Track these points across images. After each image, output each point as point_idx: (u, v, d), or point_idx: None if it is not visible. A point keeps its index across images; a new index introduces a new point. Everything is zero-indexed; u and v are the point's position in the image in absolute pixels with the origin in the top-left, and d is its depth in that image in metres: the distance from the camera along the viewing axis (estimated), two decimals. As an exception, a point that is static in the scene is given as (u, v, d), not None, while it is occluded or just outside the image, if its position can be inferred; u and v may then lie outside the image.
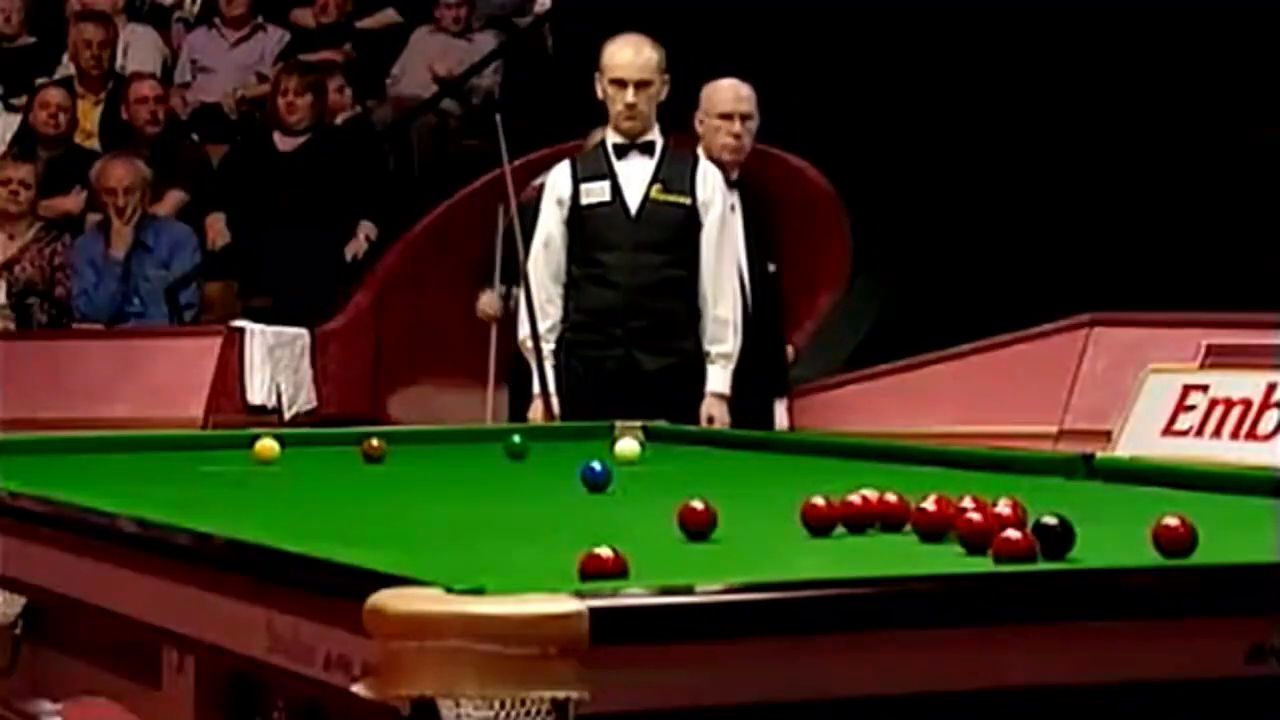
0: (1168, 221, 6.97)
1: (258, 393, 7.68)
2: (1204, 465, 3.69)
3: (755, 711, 2.13)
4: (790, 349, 7.56)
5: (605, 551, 2.33)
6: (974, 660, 2.21)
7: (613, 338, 5.91)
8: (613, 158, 5.98)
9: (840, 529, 2.86)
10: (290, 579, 2.42)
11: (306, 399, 7.84)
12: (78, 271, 8.29)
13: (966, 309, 7.07)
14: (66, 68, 9.81)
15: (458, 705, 2.01)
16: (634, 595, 2.14)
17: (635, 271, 5.92)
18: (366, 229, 8.66)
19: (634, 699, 2.06)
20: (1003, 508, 2.66)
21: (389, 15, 10.09)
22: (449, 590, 2.10)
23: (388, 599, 2.09)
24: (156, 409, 7.22)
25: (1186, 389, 6.31)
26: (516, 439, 4.34)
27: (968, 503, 2.72)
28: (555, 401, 5.88)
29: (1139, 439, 6.09)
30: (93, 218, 8.56)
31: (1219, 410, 6.24)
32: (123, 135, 9.06)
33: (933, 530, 2.75)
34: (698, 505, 2.82)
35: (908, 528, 2.82)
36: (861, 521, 2.88)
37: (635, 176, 5.96)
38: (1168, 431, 6.04)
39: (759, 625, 2.13)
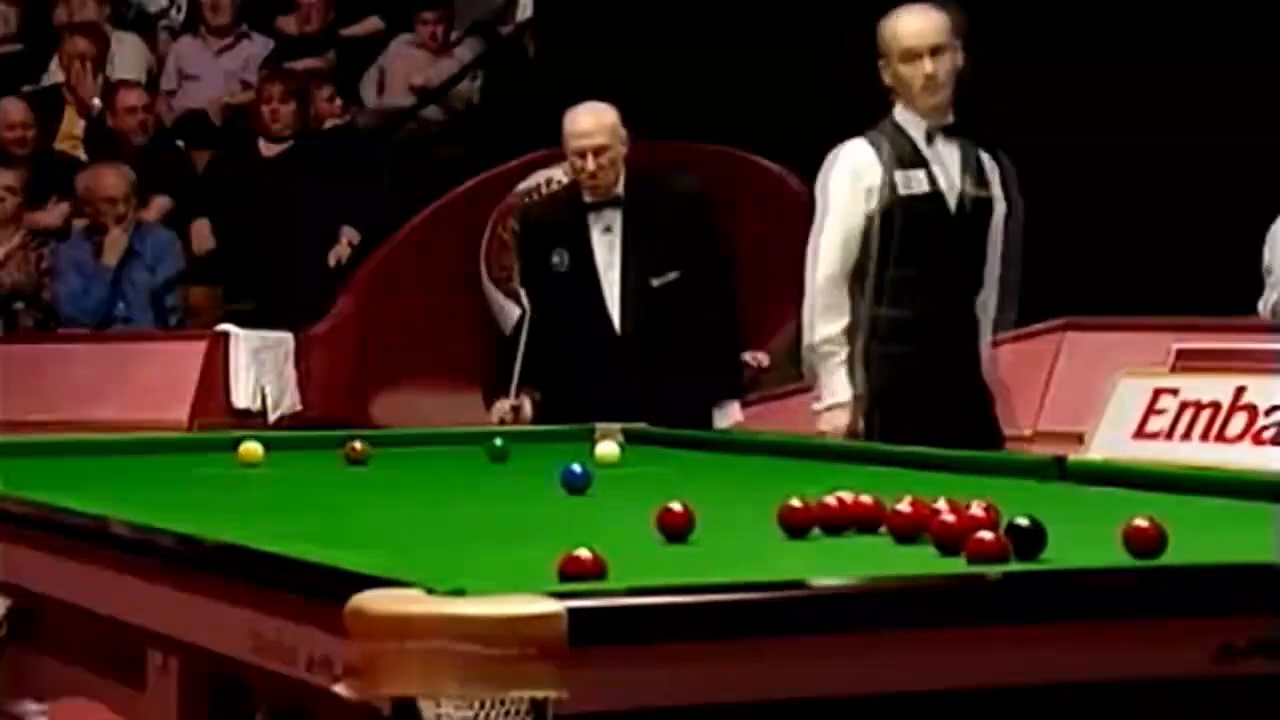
0: (1138, 227, 6.98)
1: (242, 396, 7.67)
2: (1174, 467, 3.70)
3: (733, 711, 2.13)
4: (762, 356, 7.56)
5: (584, 553, 2.33)
6: (947, 660, 2.21)
7: (927, 351, 5.12)
8: (921, 142, 5.15)
9: (816, 531, 2.86)
10: (273, 581, 2.41)
11: (291, 402, 7.84)
12: (63, 276, 8.27)
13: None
14: (53, 75, 9.80)
15: (438, 705, 2.01)
16: (612, 596, 2.14)
17: (954, 276, 5.15)
18: (349, 234, 8.67)
19: (612, 699, 2.06)
20: (976, 510, 2.67)
21: (373, 23, 10.09)
22: (429, 591, 2.10)
23: (369, 600, 2.09)
24: (142, 412, 7.21)
25: (1157, 392, 6.33)
26: (498, 441, 4.34)
27: (942, 505, 2.72)
28: (843, 415, 5.13)
29: (1111, 442, 6.11)
30: (78, 223, 8.54)
31: (1189, 413, 6.26)
32: (108, 142, 9.05)
33: (907, 532, 2.75)
34: (676, 507, 2.82)
35: (883, 529, 2.82)
36: (837, 523, 2.88)
37: (949, 166, 5.15)
38: (1139, 434, 6.05)
39: (736, 626, 2.14)
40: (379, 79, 9.75)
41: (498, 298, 8.15)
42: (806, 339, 5.19)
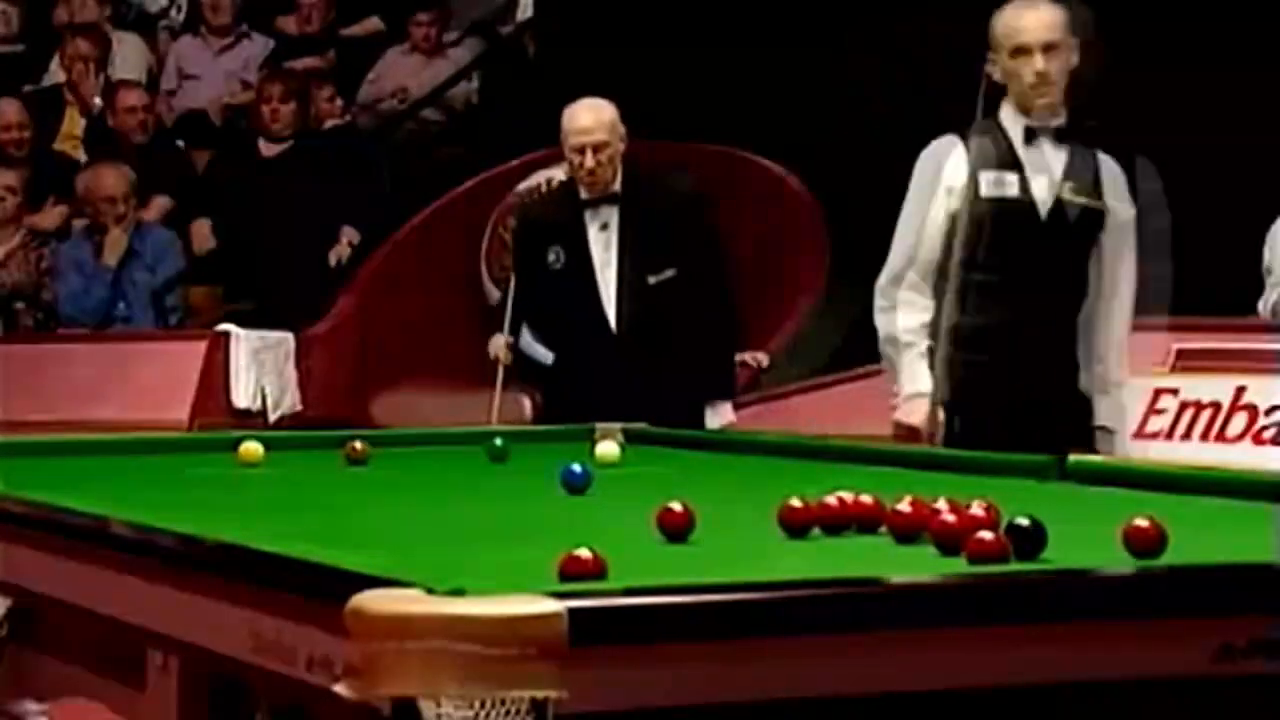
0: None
1: (243, 396, 7.68)
2: (1174, 467, 3.70)
3: (733, 711, 2.13)
4: (762, 356, 7.57)
5: (584, 553, 2.33)
6: (948, 660, 2.21)
7: (1006, 360, 4.88)
8: (1017, 142, 4.90)
9: (817, 531, 2.86)
10: (273, 580, 2.41)
11: (291, 402, 7.84)
12: (63, 276, 8.28)
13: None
14: (54, 75, 9.81)
15: (438, 705, 2.01)
16: (612, 596, 2.14)
17: (1039, 284, 4.87)
18: (349, 234, 8.67)
19: (612, 699, 2.06)
20: (976, 509, 2.67)
21: (373, 23, 10.09)
22: (429, 591, 2.09)
23: (369, 600, 2.09)
24: (142, 412, 7.21)
25: (1157, 392, 6.32)
26: (498, 441, 4.34)
27: (942, 504, 2.72)
28: (922, 408, 4.93)
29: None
30: (78, 223, 8.54)
31: (1189, 413, 6.26)
32: (108, 142, 9.05)
33: (907, 532, 2.75)
34: (676, 507, 2.82)
35: (883, 529, 2.82)
36: (838, 523, 2.88)
37: (1044, 169, 4.89)
38: (1139, 434, 6.03)
39: (737, 626, 2.13)
40: (374, 87, 9.74)
41: (496, 296, 8.14)
42: (883, 331, 5.01)
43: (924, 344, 4.91)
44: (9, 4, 10.23)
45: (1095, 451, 4.78)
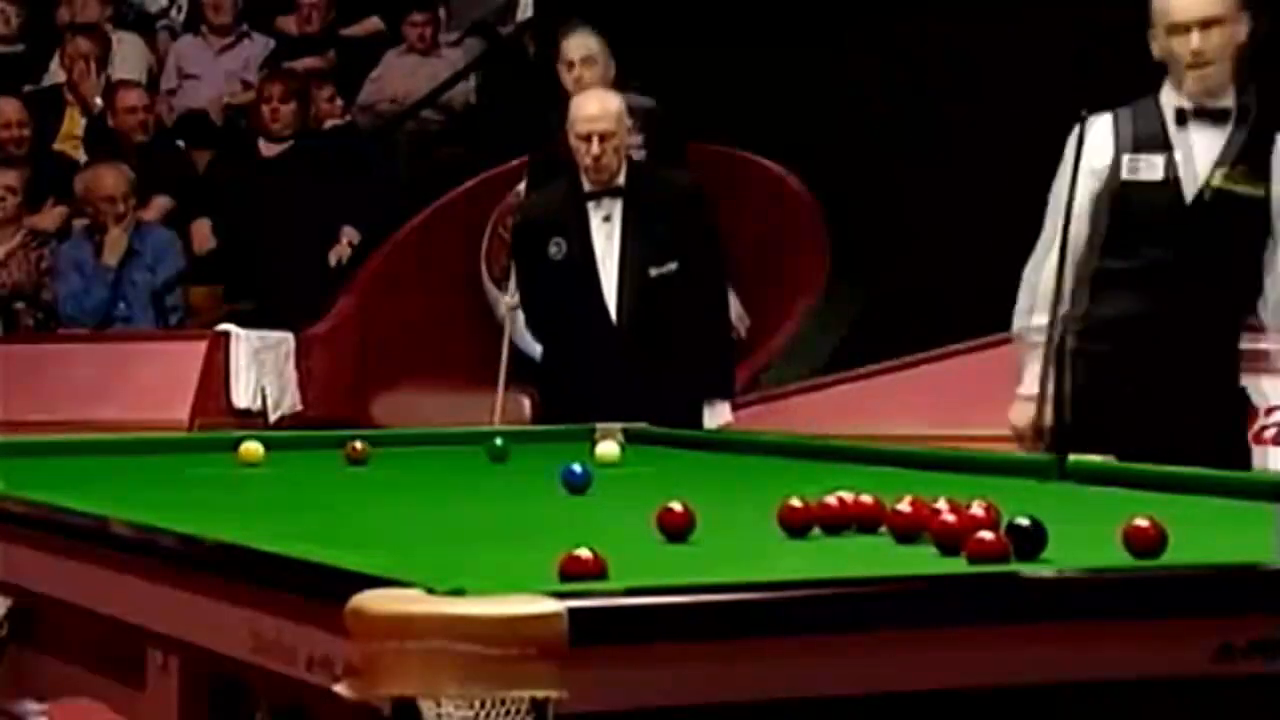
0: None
1: (243, 396, 7.68)
2: (1174, 468, 3.69)
3: (733, 711, 2.13)
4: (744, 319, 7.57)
5: (584, 553, 2.32)
6: (948, 660, 2.21)
7: (1136, 354, 4.61)
8: (1172, 125, 4.62)
9: (817, 530, 2.86)
10: (273, 580, 2.41)
11: (291, 402, 7.84)
12: (63, 276, 8.28)
13: (942, 313, 7.08)
14: (54, 75, 9.81)
15: (438, 705, 2.01)
16: (612, 596, 2.14)
17: (1181, 274, 4.57)
18: (349, 234, 8.67)
19: (612, 699, 2.06)
20: (976, 509, 2.66)
21: (373, 23, 10.10)
22: (430, 591, 2.09)
23: (369, 600, 2.09)
24: (143, 412, 7.21)
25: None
26: (498, 441, 4.34)
27: (942, 504, 2.72)
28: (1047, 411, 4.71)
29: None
30: (78, 223, 8.55)
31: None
32: (109, 142, 9.05)
33: (908, 531, 2.75)
34: (676, 507, 2.82)
35: (883, 529, 2.82)
36: (838, 523, 2.88)
37: (1198, 153, 4.60)
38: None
39: (737, 626, 2.13)
40: (374, 88, 9.74)
41: (496, 296, 8.16)
42: (1015, 323, 4.83)
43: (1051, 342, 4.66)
44: (9, 3, 10.23)
45: (1234, 459, 4.46)
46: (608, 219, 6.02)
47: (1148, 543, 2.53)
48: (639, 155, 6.30)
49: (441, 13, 9.92)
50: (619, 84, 6.72)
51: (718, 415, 5.96)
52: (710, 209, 6.29)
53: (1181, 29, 4.55)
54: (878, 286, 8.06)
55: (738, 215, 8.10)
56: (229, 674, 2.56)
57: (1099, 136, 4.63)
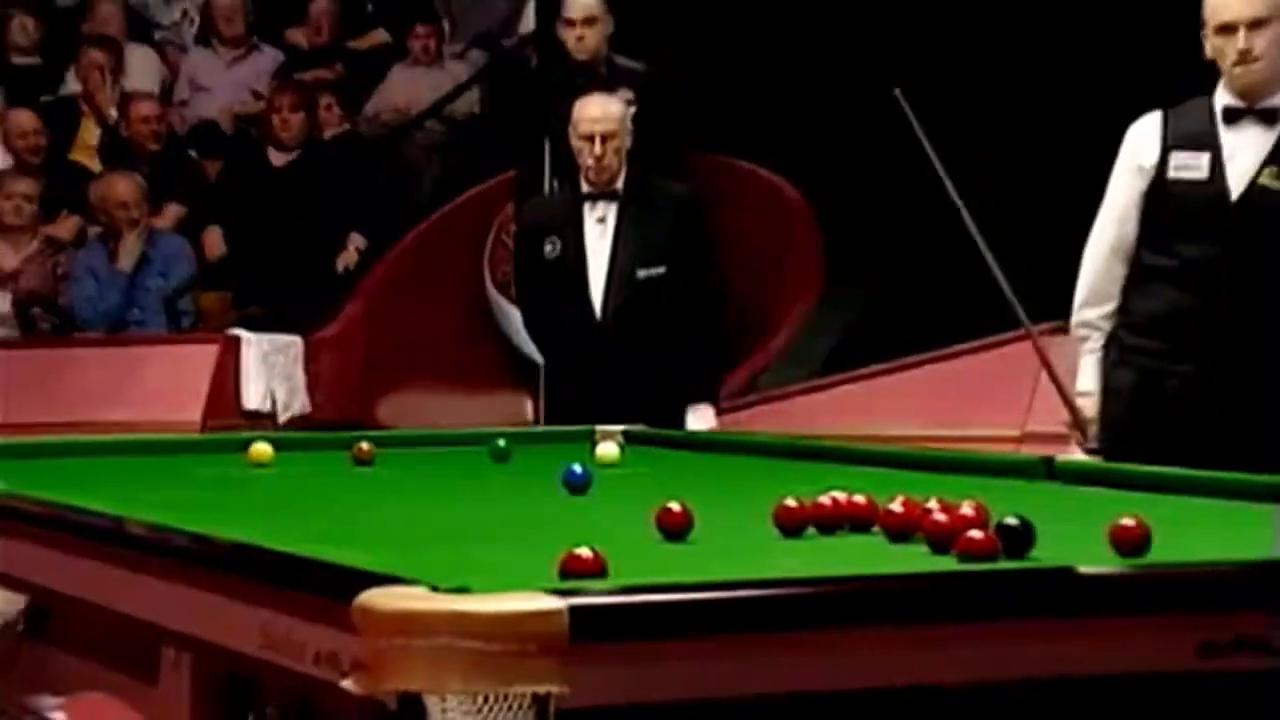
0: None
1: (253, 398, 7.68)
2: (1159, 468, 3.69)
3: (729, 706, 2.14)
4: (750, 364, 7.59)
5: (585, 552, 2.33)
6: (939, 656, 2.22)
7: (1182, 349, 4.56)
8: (1220, 124, 4.58)
9: (811, 530, 2.86)
10: (282, 579, 2.42)
11: (299, 404, 7.85)
12: (79, 281, 8.29)
13: (935, 317, 7.08)
14: (70, 86, 9.82)
15: (443, 700, 2.01)
16: (612, 594, 2.14)
17: (1224, 272, 4.52)
18: (356, 241, 8.67)
19: (612, 694, 2.06)
20: (966, 509, 2.66)
21: (379, 35, 10.10)
22: (434, 589, 2.10)
23: (375, 597, 2.09)
24: (156, 414, 7.21)
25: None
26: (501, 442, 4.34)
27: (933, 504, 2.72)
28: (1089, 405, 4.72)
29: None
30: (93, 230, 8.56)
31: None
32: (123, 152, 9.06)
33: (900, 531, 2.75)
34: (675, 507, 2.82)
35: (876, 529, 2.82)
36: (831, 523, 2.88)
37: (1245, 151, 4.55)
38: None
39: (733, 623, 2.14)
40: (380, 99, 9.74)
41: (501, 302, 8.17)
42: (1074, 318, 4.77)
43: (1098, 337, 4.68)
44: (28, 16, 10.25)
45: (1274, 455, 4.26)
46: (602, 220, 6.03)
47: (1133, 542, 2.54)
48: (629, 119, 6.24)
49: (446, 26, 9.92)
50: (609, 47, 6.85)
51: (701, 418, 5.95)
52: (709, 220, 6.30)
53: (1231, 29, 4.52)
54: (873, 291, 8.06)
55: (737, 222, 8.10)
56: (240, 669, 2.56)
57: (1148, 135, 4.62)
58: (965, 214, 4.72)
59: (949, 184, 4.73)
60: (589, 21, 7.11)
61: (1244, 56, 4.50)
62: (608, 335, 5.96)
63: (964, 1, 8.26)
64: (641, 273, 5.98)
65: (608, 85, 6.64)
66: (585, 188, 6.01)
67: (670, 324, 5.95)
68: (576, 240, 6.02)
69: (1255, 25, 4.51)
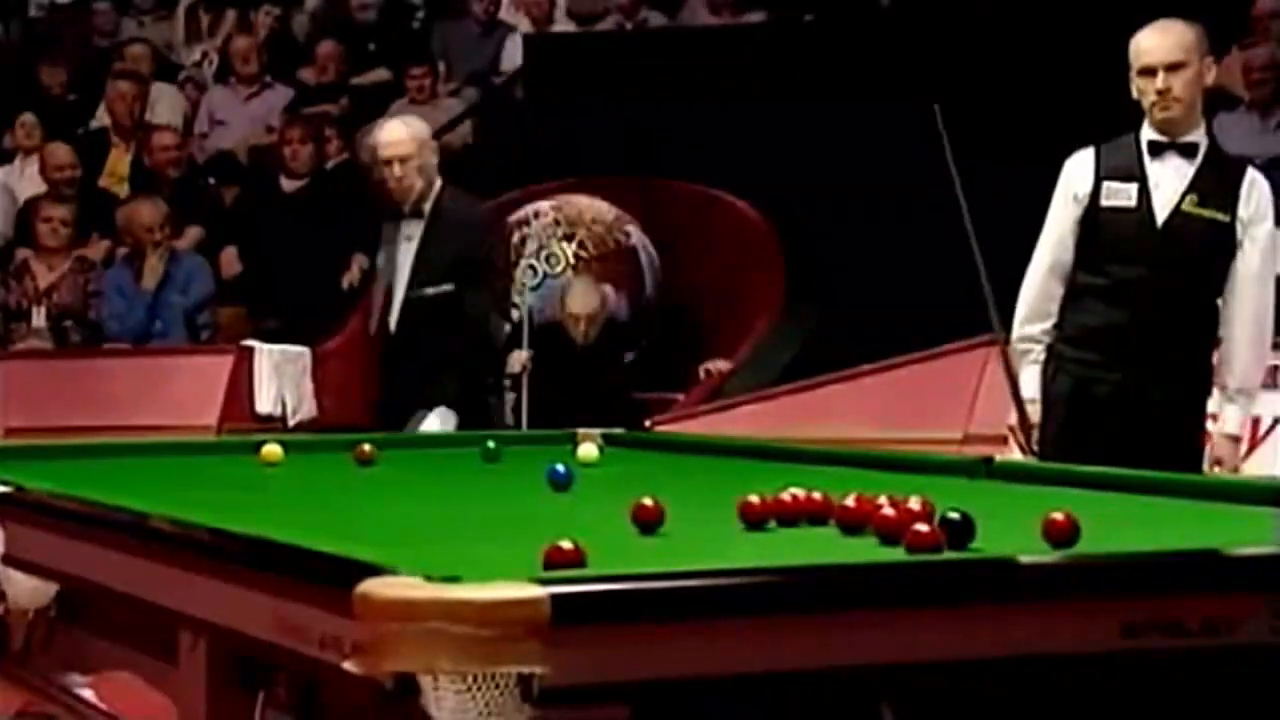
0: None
1: (265, 403, 7.66)
2: (1088, 467, 3.69)
3: (696, 684, 2.13)
4: (722, 364, 7.57)
5: (566, 544, 2.32)
6: (889, 639, 2.21)
7: (1113, 360, 4.60)
8: (1146, 157, 4.64)
9: (772, 523, 2.86)
10: (290, 569, 2.41)
11: (307, 409, 7.83)
12: (108, 298, 8.28)
13: (886, 330, 7.08)
14: (100, 119, 9.81)
15: (435, 680, 2.00)
16: (591, 582, 2.13)
17: (1151, 290, 4.57)
18: (360, 260, 8.64)
19: (590, 674, 2.06)
20: (914, 504, 2.67)
21: (380, 74, 10.11)
22: (428, 578, 2.09)
23: (374, 586, 2.08)
24: (176, 418, 7.19)
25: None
26: (490, 444, 4.33)
27: (883, 500, 2.72)
28: (1032, 411, 4.72)
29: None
30: (120, 251, 8.55)
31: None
32: (149, 179, 9.06)
33: (853, 524, 2.75)
34: (648, 502, 2.81)
35: (831, 522, 2.82)
36: (791, 517, 2.87)
37: (1168, 181, 4.61)
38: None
39: (701, 608, 2.13)
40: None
41: (491, 315, 8.14)
42: (1014, 332, 4.79)
43: (1037, 350, 4.71)
44: (66, 63, 10.29)
45: (1192, 457, 4.51)
46: (410, 239, 5.99)
47: (1063, 534, 2.54)
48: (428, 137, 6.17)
49: (441, 66, 9.93)
50: None
51: (432, 421, 5.89)
52: (488, 243, 6.28)
53: (1151, 71, 4.59)
54: (830, 305, 8.07)
55: (706, 243, 8.13)
56: (252, 652, 2.55)
57: (1082, 167, 4.69)
58: (971, 230, 4.70)
59: (963, 201, 4.68)
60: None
61: (1163, 96, 4.57)
62: (396, 344, 5.93)
63: (919, 27, 8.29)
64: (429, 290, 5.92)
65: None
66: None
67: (446, 336, 5.89)
68: (392, 255, 6.01)
69: (1173, 68, 4.58)
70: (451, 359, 5.95)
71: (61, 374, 7.82)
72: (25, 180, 9.32)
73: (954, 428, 6.27)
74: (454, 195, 6.28)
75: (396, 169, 5.92)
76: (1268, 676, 2.37)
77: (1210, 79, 4.66)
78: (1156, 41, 4.60)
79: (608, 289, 7.39)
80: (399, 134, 6.03)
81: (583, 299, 7.23)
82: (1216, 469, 4.62)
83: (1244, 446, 4.80)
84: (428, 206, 5.97)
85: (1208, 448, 4.71)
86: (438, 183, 6.11)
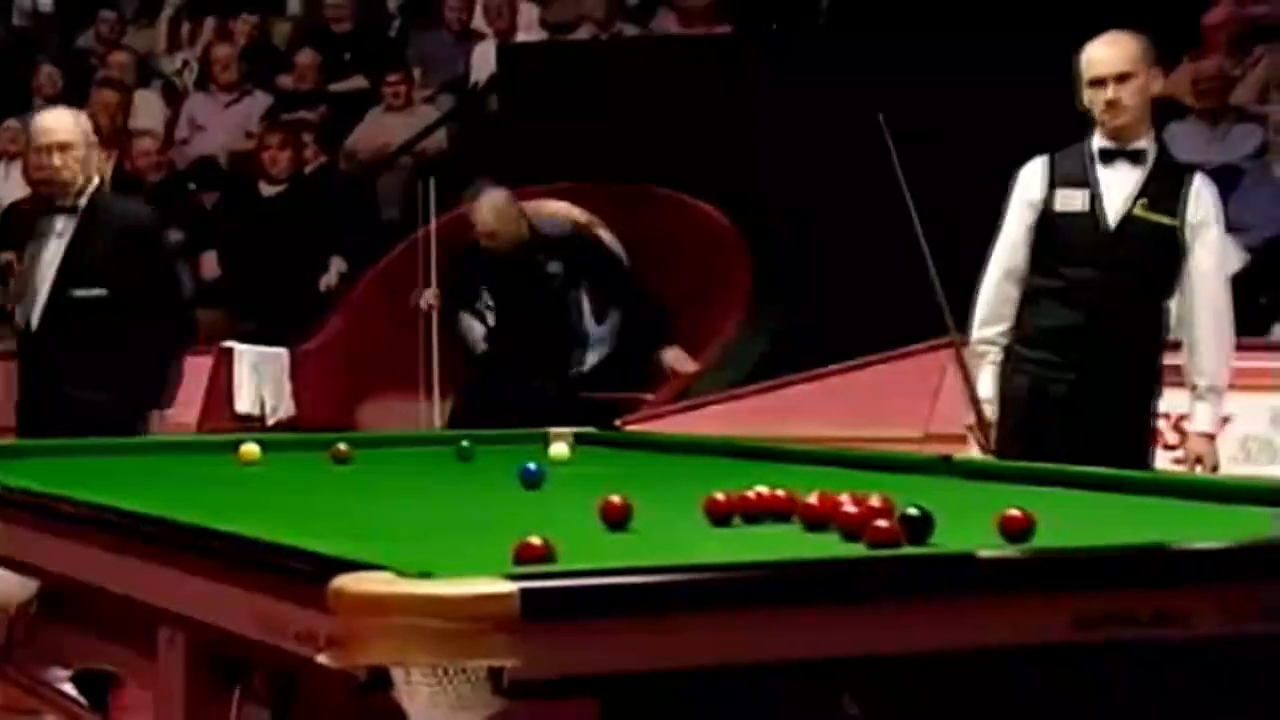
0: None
1: (244, 403, 7.65)
2: (1043, 464, 3.71)
3: (662, 676, 2.13)
4: (686, 363, 7.57)
5: (535, 540, 2.31)
6: (850, 631, 2.21)
7: (1067, 360, 4.64)
8: (1096, 164, 4.70)
9: (737, 520, 2.86)
10: (267, 565, 2.40)
11: (285, 408, 7.82)
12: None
13: (850, 332, 7.10)
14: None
15: (407, 673, 2.00)
16: (559, 578, 2.13)
17: (1102, 292, 4.62)
18: (337, 264, 8.65)
19: (559, 667, 2.05)
20: (874, 501, 2.67)
21: (358, 81, 10.09)
22: (401, 574, 2.09)
23: (348, 581, 2.08)
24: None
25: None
26: (464, 443, 4.32)
27: (845, 497, 2.72)
28: (989, 410, 4.76)
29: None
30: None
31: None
32: (130, 183, 9.02)
33: (816, 521, 2.75)
34: (616, 500, 2.80)
35: (795, 519, 2.82)
36: (756, 514, 2.87)
37: (1118, 187, 4.68)
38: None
39: (667, 603, 2.13)
40: (359, 138, 9.72)
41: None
42: (972, 335, 4.84)
43: (994, 352, 4.74)
44: (55, 67, 10.25)
45: (1142, 453, 4.54)
46: (60, 235, 5.53)
47: (1018, 529, 2.54)
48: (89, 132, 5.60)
49: (416, 73, 9.92)
50: None
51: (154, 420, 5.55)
52: (161, 242, 5.84)
53: (1101, 82, 4.66)
54: (795, 307, 8.08)
55: (676, 247, 8.13)
56: (229, 646, 2.54)
57: (1034, 175, 4.74)
58: (921, 236, 4.74)
59: (911, 206, 4.74)
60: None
61: (1112, 106, 4.64)
62: (38, 345, 5.54)
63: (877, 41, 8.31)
64: (78, 292, 5.49)
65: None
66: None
67: (111, 342, 5.45)
68: (36, 252, 5.59)
69: (1121, 78, 4.64)
70: (106, 373, 5.44)
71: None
72: (9, 184, 9.28)
73: (915, 427, 6.28)
74: (115, 198, 5.92)
75: (55, 157, 5.48)
76: (1216, 667, 2.38)
77: (1157, 88, 4.74)
78: (1106, 54, 4.66)
79: (526, 206, 7.16)
80: (63, 121, 5.58)
81: (485, 211, 7.03)
82: (1197, 468, 4.65)
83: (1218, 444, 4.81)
84: (83, 203, 5.55)
85: (1159, 446, 4.77)
86: (96, 179, 5.65)
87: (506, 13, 9.90)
